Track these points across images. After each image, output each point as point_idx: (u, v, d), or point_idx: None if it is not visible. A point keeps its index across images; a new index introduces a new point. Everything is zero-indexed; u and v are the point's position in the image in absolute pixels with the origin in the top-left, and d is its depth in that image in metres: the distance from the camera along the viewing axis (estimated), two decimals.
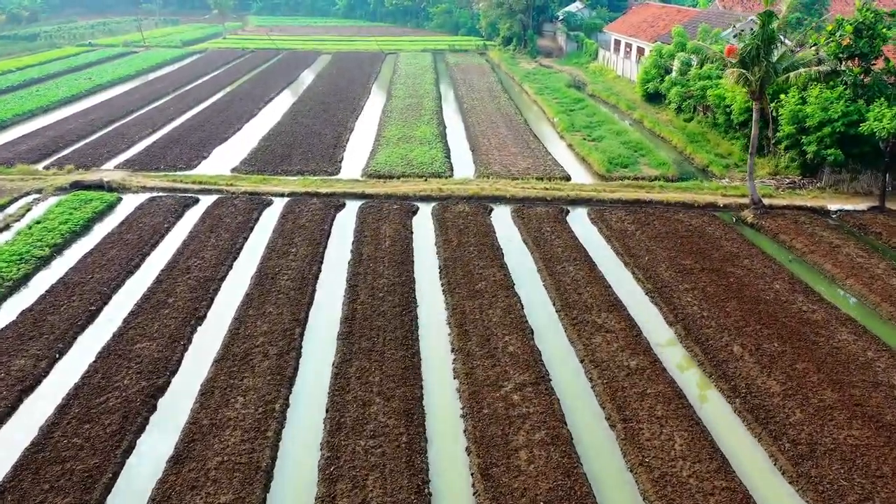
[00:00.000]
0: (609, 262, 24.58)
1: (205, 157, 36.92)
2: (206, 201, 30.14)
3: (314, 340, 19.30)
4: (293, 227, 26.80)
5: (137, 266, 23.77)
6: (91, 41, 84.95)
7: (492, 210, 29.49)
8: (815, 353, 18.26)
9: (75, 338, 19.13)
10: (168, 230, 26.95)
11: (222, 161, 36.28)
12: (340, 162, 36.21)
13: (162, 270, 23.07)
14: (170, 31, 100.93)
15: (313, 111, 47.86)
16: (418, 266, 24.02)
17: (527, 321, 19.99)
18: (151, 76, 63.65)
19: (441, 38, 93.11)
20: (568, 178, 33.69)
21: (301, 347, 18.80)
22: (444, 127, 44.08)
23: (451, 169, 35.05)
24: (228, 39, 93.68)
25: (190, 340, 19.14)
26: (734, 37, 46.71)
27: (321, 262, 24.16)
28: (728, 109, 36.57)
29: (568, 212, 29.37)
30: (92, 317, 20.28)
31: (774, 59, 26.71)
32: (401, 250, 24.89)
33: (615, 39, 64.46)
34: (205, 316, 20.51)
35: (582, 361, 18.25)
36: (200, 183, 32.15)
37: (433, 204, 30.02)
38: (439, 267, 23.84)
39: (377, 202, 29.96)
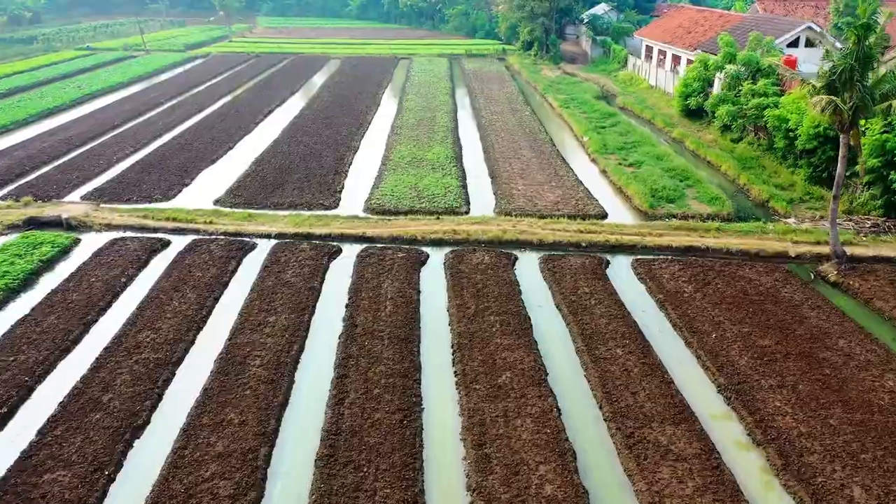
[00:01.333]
0: (666, 340, 19.56)
1: (186, 185, 32.30)
2: (179, 244, 25.53)
3: (284, 468, 14.51)
4: (275, 285, 22.06)
5: (77, 341, 19.14)
6: (89, 45, 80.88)
7: (516, 259, 24.60)
8: None
9: None
10: (125, 286, 22.31)
11: (206, 190, 31.63)
12: (340, 192, 31.42)
13: (105, 348, 18.43)
14: (174, 33, 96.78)
15: (315, 126, 43.19)
16: (426, 344, 19.19)
17: (567, 439, 15.08)
18: (146, 84, 59.32)
19: (457, 42, 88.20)
20: (604, 216, 28.67)
21: (265, 481, 14.01)
22: (460, 147, 39.22)
23: (468, 202, 30.16)
24: (234, 43, 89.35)
25: (119, 466, 14.43)
26: (788, 45, 41.64)
27: (305, 338, 19.37)
28: (791, 134, 31.34)
29: (608, 263, 24.40)
30: (0, 424, 15.66)
31: (869, 81, 21.54)
32: (405, 319, 20.07)
33: (647, 46, 59.22)
34: (146, 423, 15.78)
35: None
36: (175, 220, 27.53)
37: (446, 250, 25.20)
38: (452, 346, 18.98)
39: (379, 248, 25.16)
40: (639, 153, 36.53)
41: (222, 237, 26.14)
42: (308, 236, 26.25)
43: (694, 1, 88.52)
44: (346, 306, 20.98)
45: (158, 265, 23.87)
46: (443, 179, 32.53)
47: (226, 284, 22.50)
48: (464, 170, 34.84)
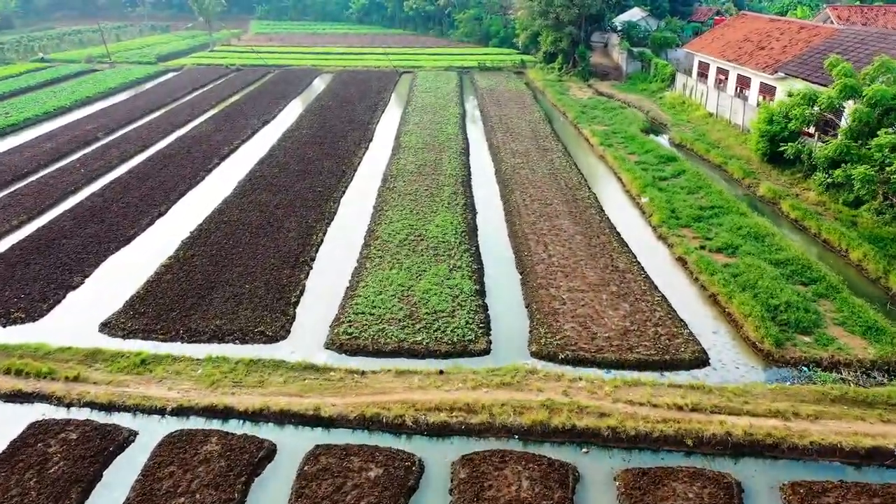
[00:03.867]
0: None
1: (73, 289, 21.98)
2: (6, 431, 15.20)
3: None
4: None
5: None
6: (45, 56, 70.83)
7: (577, 480, 14.03)
8: None
9: None
10: None
11: (97, 298, 21.33)
12: (295, 307, 20.91)
13: None
14: (150, 41, 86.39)
15: (283, 176, 32.82)
16: None
17: None
18: (93, 108, 49.16)
19: (468, 52, 77.61)
20: (704, 362, 18.09)
21: None
22: (474, 212, 28.73)
23: (488, 327, 19.63)
24: (216, 52, 79.09)
25: None
26: None
27: None
28: None
29: (741, 489, 13.79)
30: None
31: None
32: None
33: (700, 62, 48.47)
34: None
35: None
36: (19, 374, 17.18)
37: (452, 452, 14.72)
38: None
39: (341, 449, 14.66)
40: (725, 228, 25.94)
41: (85, 414, 15.80)
42: (226, 413, 15.84)
43: (739, 5, 77.69)
44: None
45: None
46: (449, 279, 22.02)
47: None
48: (480, 256, 24.37)
